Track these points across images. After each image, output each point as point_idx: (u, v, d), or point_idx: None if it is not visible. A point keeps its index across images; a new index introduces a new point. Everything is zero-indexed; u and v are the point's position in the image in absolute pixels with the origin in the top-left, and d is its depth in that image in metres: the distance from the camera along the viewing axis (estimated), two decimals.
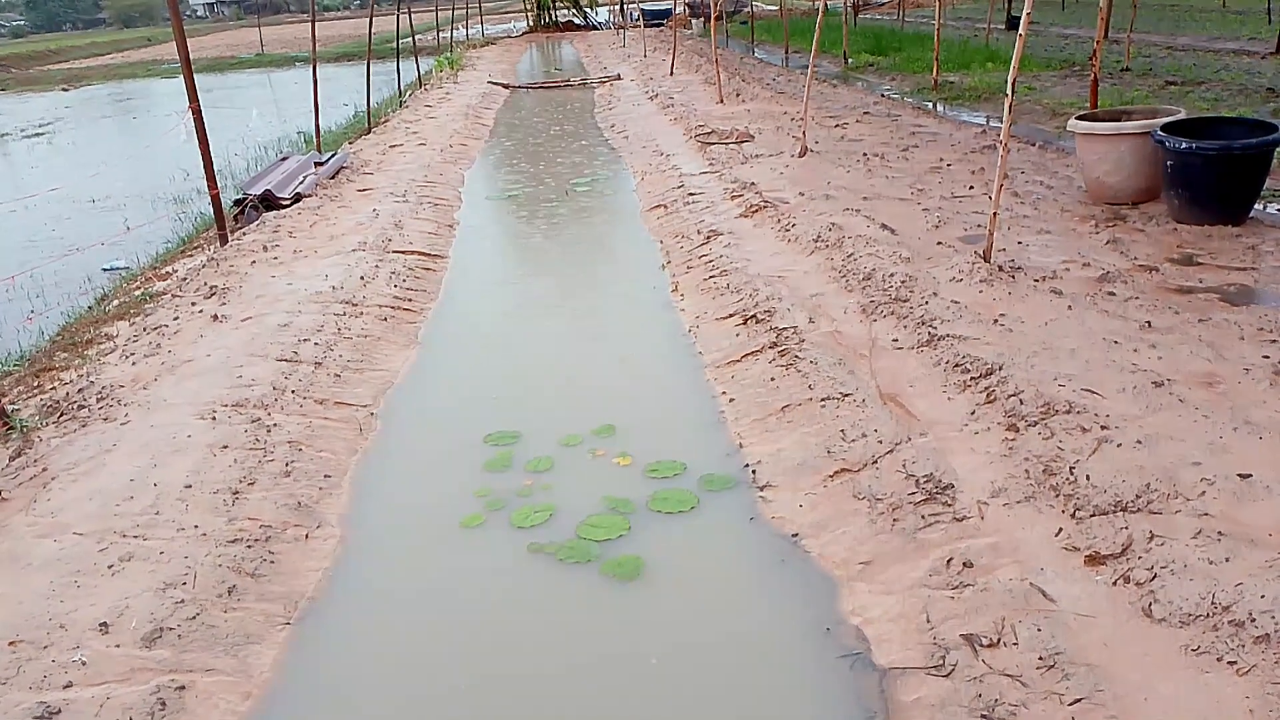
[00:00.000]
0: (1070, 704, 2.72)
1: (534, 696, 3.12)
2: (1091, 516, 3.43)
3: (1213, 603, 2.93)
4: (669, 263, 7.42)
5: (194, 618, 3.38)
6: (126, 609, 3.37)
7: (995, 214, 5.72)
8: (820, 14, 10.59)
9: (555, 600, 3.59)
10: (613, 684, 3.16)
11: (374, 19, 16.37)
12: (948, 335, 4.97)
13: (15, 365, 6.28)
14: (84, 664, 3.13)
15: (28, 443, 4.74)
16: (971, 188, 7.99)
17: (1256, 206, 6.43)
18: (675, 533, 3.93)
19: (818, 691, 3.03)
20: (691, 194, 8.94)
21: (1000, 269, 5.72)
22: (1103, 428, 3.90)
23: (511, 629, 3.47)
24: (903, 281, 5.73)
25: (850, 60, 18.83)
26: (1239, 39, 17.25)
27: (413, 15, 21.37)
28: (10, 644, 3.21)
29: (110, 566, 3.61)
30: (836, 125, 11.55)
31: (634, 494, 4.21)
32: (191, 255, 8.60)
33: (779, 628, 3.34)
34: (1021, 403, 4.21)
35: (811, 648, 3.21)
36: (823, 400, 4.64)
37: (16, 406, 5.26)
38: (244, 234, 8.51)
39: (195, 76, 8.09)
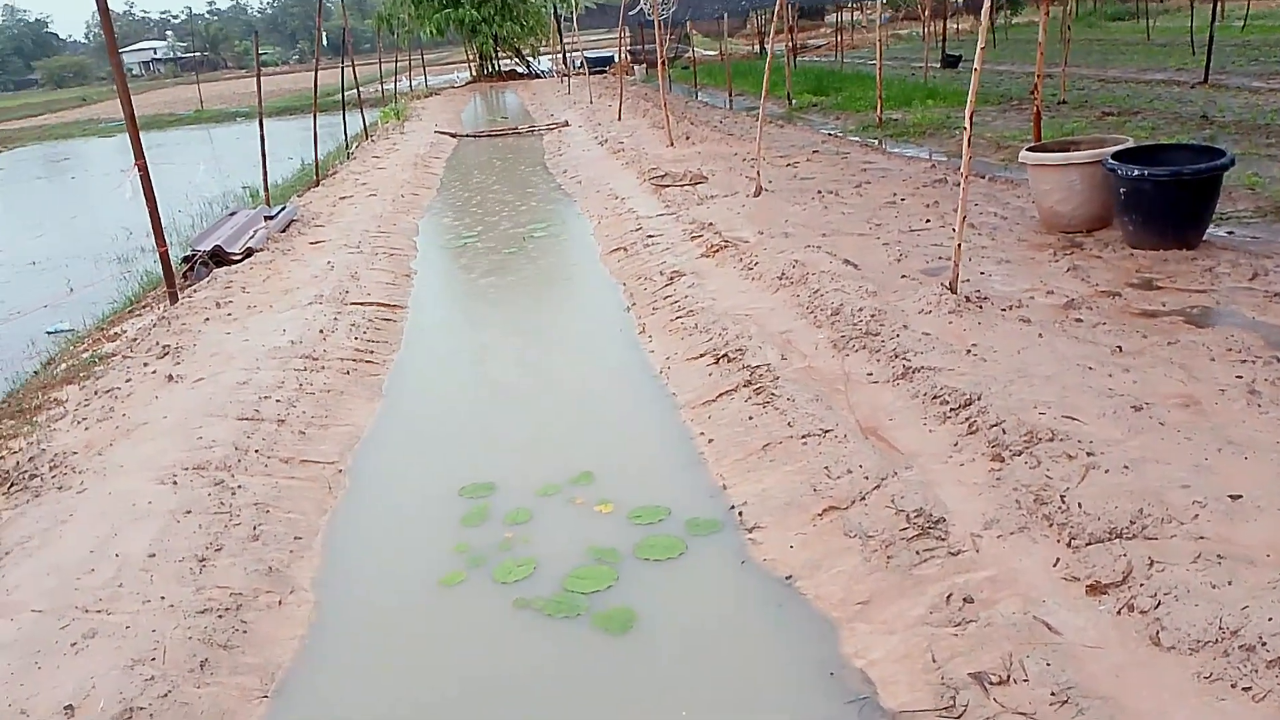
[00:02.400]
0: None
1: None
2: (1088, 545, 3.40)
3: (1220, 627, 2.90)
4: (634, 305, 7.36)
5: (165, 695, 3.19)
6: (93, 689, 3.17)
7: (959, 245, 5.76)
8: (769, 57, 10.76)
9: (546, 658, 3.46)
10: None
11: (318, 71, 16.25)
12: (923, 367, 4.96)
13: None
14: None
15: None
16: (928, 220, 8.07)
17: (1210, 229, 6.57)
18: (665, 580, 3.82)
19: None
20: (650, 236, 8.93)
21: (967, 299, 5.75)
22: (1088, 454, 3.88)
23: (502, 690, 3.32)
24: (872, 315, 5.73)
25: (794, 100, 19.14)
26: (1166, 69, 17.86)
27: (356, 68, 21.28)
28: None
29: (73, 644, 3.40)
30: (788, 164, 11.66)
31: (618, 542, 4.10)
32: (139, 315, 8.35)
33: (781, 674, 3.24)
34: (1004, 432, 4.19)
35: (817, 693, 3.11)
36: (803, 437, 4.58)
37: None
38: (195, 291, 8.30)
39: None
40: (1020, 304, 5.69)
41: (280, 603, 3.83)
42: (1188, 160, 6.35)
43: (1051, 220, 7.34)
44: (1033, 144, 7.88)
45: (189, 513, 4.30)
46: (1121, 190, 6.46)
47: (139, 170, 7.83)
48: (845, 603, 3.50)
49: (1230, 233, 6.80)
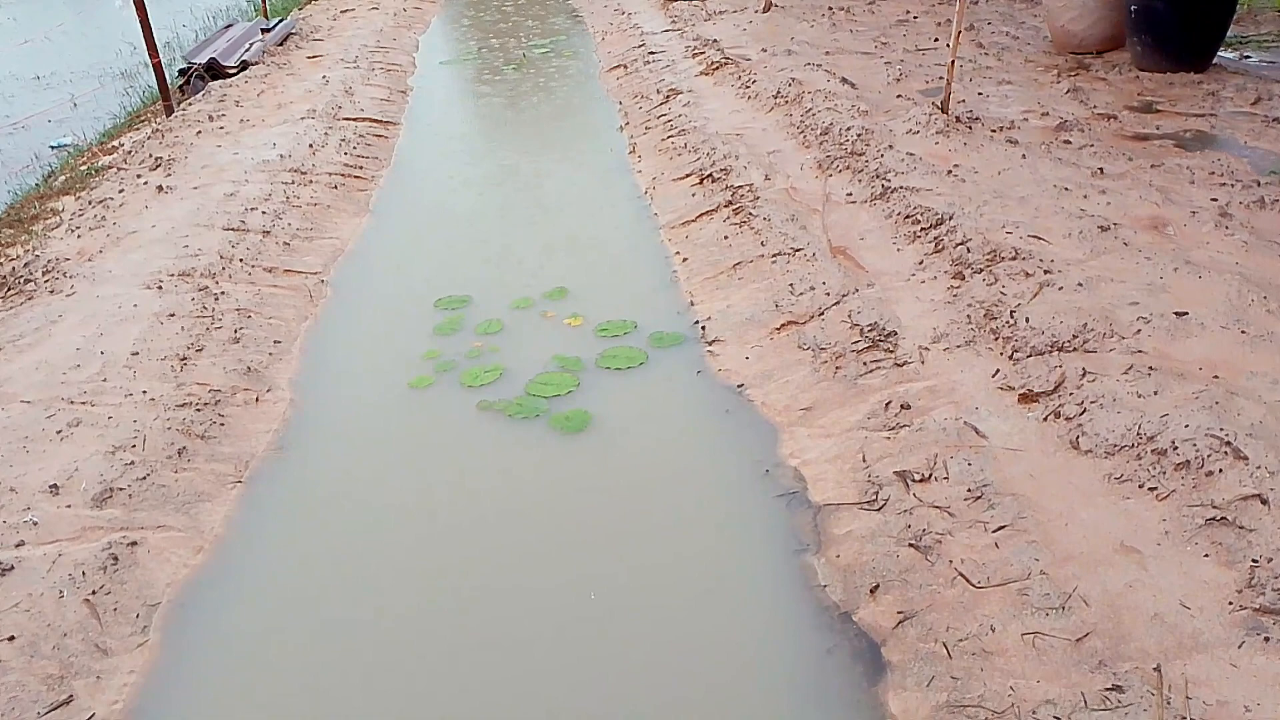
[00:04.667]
0: (994, 531, 2.82)
1: (483, 546, 3.20)
2: (1028, 357, 3.48)
3: (1138, 434, 3.01)
4: (627, 124, 7.26)
5: (144, 478, 3.42)
6: (76, 472, 3.40)
7: (953, 63, 5.60)
8: None
9: (503, 452, 3.65)
10: (559, 530, 3.24)
11: None
12: (900, 187, 4.93)
13: None
14: (35, 524, 3.16)
15: None
16: (936, 40, 7.80)
17: (1221, 53, 6.32)
18: (623, 388, 3.96)
19: (754, 528, 3.12)
20: (652, 53, 8.69)
21: (958, 120, 5.64)
22: (1046, 272, 3.92)
23: (460, 482, 3.52)
24: (859, 135, 5.64)
25: None
26: None
27: None
28: None
29: (59, 432, 3.61)
30: None
31: (584, 353, 4.23)
32: (138, 129, 8.33)
33: (720, 472, 3.41)
34: (968, 251, 4.22)
35: (750, 488, 3.29)
36: (774, 256, 4.63)
37: None
38: (190, 104, 8.24)
39: None
40: (1011, 125, 5.58)
41: (257, 400, 4.02)
42: None
43: (1063, 40, 7.08)
44: None
45: (172, 315, 4.46)
46: (1132, 8, 6.19)
47: None
48: (789, 409, 3.64)
49: (1245, 57, 6.54)
